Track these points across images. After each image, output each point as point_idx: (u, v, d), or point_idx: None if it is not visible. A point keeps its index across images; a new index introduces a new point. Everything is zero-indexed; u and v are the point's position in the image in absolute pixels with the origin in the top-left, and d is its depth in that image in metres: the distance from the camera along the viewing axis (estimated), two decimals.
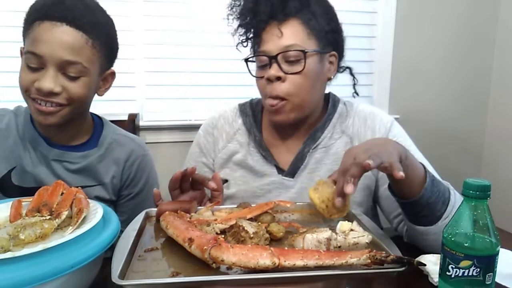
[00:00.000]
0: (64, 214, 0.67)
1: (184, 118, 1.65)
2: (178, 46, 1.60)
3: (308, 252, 0.57)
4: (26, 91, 0.89)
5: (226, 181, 1.05)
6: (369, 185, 1.01)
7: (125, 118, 1.47)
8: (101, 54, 0.93)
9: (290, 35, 0.93)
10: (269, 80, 0.93)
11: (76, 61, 0.87)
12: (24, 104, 0.97)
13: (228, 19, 1.00)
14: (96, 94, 0.99)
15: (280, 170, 1.02)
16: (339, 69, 1.07)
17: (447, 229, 0.60)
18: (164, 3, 1.57)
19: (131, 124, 1.48)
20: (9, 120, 0.99)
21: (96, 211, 0.69)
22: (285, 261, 0.55)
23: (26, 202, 0.74)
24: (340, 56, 1.05)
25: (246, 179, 1.04)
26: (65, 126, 0.95)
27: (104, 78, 0.99)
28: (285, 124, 0.99)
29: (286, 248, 0.59)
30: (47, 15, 0.87)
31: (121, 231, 0.70)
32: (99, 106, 1.32)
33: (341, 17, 1.79)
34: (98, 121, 1.07)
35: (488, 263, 0.57)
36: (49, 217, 0.66)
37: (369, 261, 0.55)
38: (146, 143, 1.50)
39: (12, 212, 0.71)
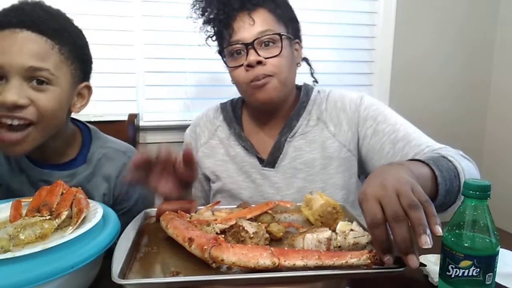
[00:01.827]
0: (64, 214, 0.67)
1: (184, 118, 1.65)
2: (178, 46, 1.60)
3: (308, 252, 0.57)
4: None
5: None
6: (349, 167, 1.02)
7: (125, 118, 1.47)
8: (71, 62, 0.85)
9: (262, 22, 0.96)
10: (250, 66, 0.95)
11: (42, 67, 0.79)
12: None
13: (192, 17, 1.04)
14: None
15: (261, 161, 1.05)
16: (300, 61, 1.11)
17: (447, 229, 0.60)
18: (164, 3, 1.57)
19: (131, 124, 1.48)
20: None
21: (96, 211, 0.69)
22: (285, 261, 0.55)
23: (26, 202, 0.74)
24: (301, 46, 1.10)
25: (229, 173, 1.07)
26: (45, 145, 0.87)
27: (79, 93, 0.90)
28: (269, 103, 1.00)
29: (286, 248, 0.59)
30: (4, 23, 0.80)
31: (123, 229, 0.70)
32: (99, 106, 1.32)
33: (341, 17, 1.80)
34: (86, 133, 0.99)
35: (488, 263, 0.57)
36: (49, 217, 0.66)
37: (369, 261, 0.55)
38: (146, 143, 1.49)
39: (12, 212, 0.71)
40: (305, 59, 1.12)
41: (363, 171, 1.05)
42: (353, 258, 0.55)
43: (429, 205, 0.55)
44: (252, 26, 0.96)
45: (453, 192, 0.76)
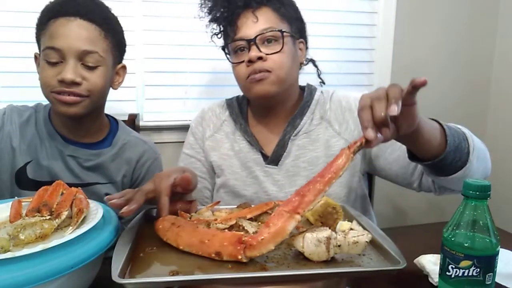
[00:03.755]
0: (64, 214, 0.67)
1: (184, 118, 1.65)
2: (178, 46, 1.60)
3: (311, 188, 0.59)
4: (48, 87, 0.93)
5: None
6: (353, 165, 1.03)
7: (125, 118, 1.47)
8: (113, 46, 0.99)
9: (265, 19, 0.99)
10: (251, 62, 0.97)
11: (93, 50, 0.92)
12: (43, 102, 1.02)
13: (199, 15, 1.06)
14: (111, 89, 1.04)
15: (265, 157, 1.06)
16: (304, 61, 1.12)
17: (447, 229, 0.60)
18: (164, 3, 1.57)
19: (131, 124, 1.48)
20: (29, 115, 1.04)
21: (96, 211, 0.69)
22: (304, 211, 0.58)
23: (26, 202, 0.74)
24: (307, 47, 1.11)
25: (233, 169, 1.08)
26: (82, 121, 1.00)
27: (117, 72, 1.04)
28: (266, 97, 1.01)
29: (292, 200, 0.59)
30: (61, 12, 0.92)
31: (123, 229, 0.70)
32: None
33: (341, 17, 1.80)
34: (113, 123, 1.12)
35: (488, 263, 0.57)
36: (49, 217, 0.66)
37: (352, 154, 0.61)
38: None
39: (12, 212, 0.71)
40: (312, 61, 1.13)
41: (370, 168, 1.05)
42: (341, 160, 0.61)
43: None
44: (255, 23, 0.98)
45: (462, 152, 0.78)
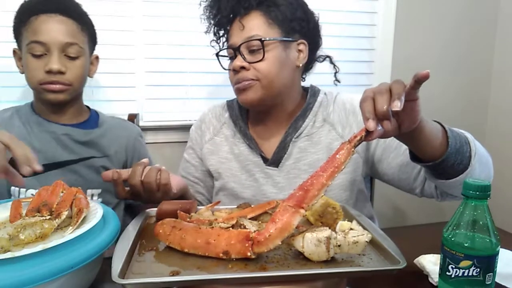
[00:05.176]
0: (64, 214, 0.67)
1: (184, 118, 1.65)
2: (178, 46, 1.60)
3: (314, 183, 0.59)
4: (36, 79, 1.02)
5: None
6: (355, 168, 1.02)
7: (125, 118, 1.47)
8: (89, 38, 1.10)
9: (251, 27, 0.98)
10: (235, 70, 0.99)
11: (74, 42, 1.04)
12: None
13: (202, 19, 1.07)
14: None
15: (265, 160, 1.05)
16: (318, 58, 1.11)
17: (447, 229, 0.60)
18: (164, 3, 1.57)
19: None
20: (12, 112, 1.13)
21: (96, 211, 0.69)
22: (308, 206, 0.58)
23: (26, 202, 0.74)
24: (315, 45, 1.08)
25: (232, 171, 1.08)
26: (65, 106, 1.09)
27: (91, 62, 1.15)
28: (254, 104, 1.01)
29: (296, 194, 0.59)
30: (42, 9, 1.03)
31: (121, 230, 0.70)
32: (99, 106, 1.32)
33: (341, 18, 1.80)
34: (93, 110, 1.21)
35: (488, 263, 0.57)
36: (49, 217, 0.66)
37: (353, 149, 0.61)
38: (146, 143, 1.51)
39: (12, 212, 0.71)
40: (328, 57, 1.13)
41: (372, 172, 1.04)
42: (342, 154, 0.61)
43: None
44: (241, 31, 0.98)
45: (463, 155, 0.78)
